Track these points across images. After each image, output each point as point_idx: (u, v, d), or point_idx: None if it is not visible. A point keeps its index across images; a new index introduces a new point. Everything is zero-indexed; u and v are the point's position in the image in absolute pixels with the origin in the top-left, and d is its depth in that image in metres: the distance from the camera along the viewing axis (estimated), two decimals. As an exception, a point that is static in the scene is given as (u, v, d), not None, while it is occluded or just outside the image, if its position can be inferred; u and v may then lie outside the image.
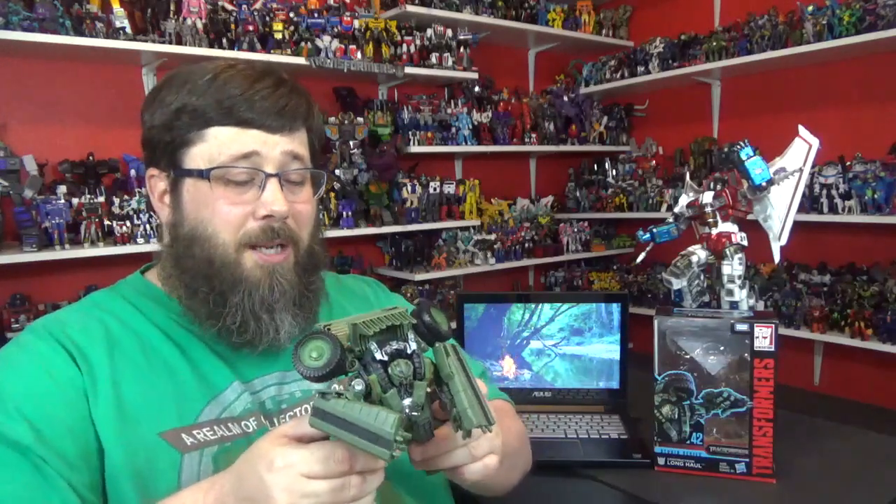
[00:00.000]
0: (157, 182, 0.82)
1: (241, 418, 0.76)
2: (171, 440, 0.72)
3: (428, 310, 0.61)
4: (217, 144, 0.76)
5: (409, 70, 2.76)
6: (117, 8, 2.16)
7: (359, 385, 0.56)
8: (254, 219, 0.77)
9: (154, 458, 0.71)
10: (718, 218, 1.24)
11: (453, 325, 1.47)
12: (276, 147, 0.78)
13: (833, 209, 2.53)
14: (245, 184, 0.77)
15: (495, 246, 3.10)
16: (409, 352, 0.59)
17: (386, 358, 0.58)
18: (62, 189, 2.11)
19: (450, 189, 2.94)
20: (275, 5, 2.53)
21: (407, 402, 0.57)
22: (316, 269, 0.84)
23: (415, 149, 2.85)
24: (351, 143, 2.73)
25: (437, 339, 0.62)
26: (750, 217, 1.26)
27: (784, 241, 1.21)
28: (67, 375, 0.72)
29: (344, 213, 2.63)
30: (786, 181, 1.20)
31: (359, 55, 2.64)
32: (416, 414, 0.58)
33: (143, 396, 0.73)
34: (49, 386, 0.70)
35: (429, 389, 0.60)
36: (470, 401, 0.59)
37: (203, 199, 0.77)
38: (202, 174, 0.76)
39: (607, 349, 1.42)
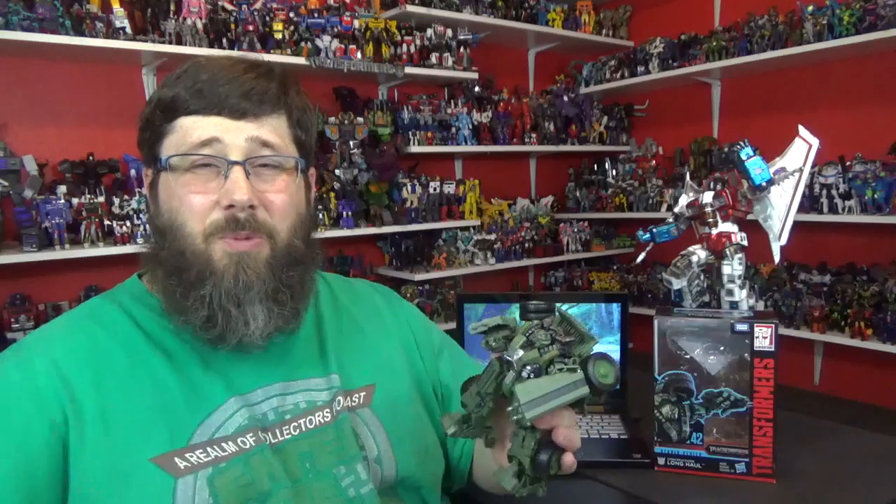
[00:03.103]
0: (148, 181, 0.82)
1: (236, 435, 0.74)
2: (163, 465, 0.69)
3: (591, 369, 0.64)
4: (182, 133, 0.76)
5: (409, 70, 2.76)
6: (117, 8, 2.16)
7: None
8: (219, 208, 0.75)
9: (146, 485, 0.68)
10: (718, 218, 1.24)
11: (452, 325, 1.46)
12: (240, 133, 0.75)
13: (833, 209, 2.53)
14: (210, 172, 0.76)
15: (495, 246, 3.10)
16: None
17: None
18: (62, 189, 2.11)
19: (450, 189, 2.94)
20: (275, 5, 2.53)
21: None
22: (296, 264, 0.79)
23: (415, 149, 2.85)
24: (351, 143, 2.73)
25: (595, 391, 0.64)
26: (750, 217, 1.25)
27: (784, 241, 1.21)
28: (31, 425, 0.68)
29: (344, 213, 2.63)
30: (786, 181, 1.20)
31: (359, 55, 2.64)
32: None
33: (132, 420, 0.71)
34: (5, 432, 0.67)
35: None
36: (540, 387, 0.63)
37: (171, 189, 0.76)
38: (162, 163, 0.76)
39: (607, 349, 1.42)
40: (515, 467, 0.68)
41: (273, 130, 0.78)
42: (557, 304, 0.68)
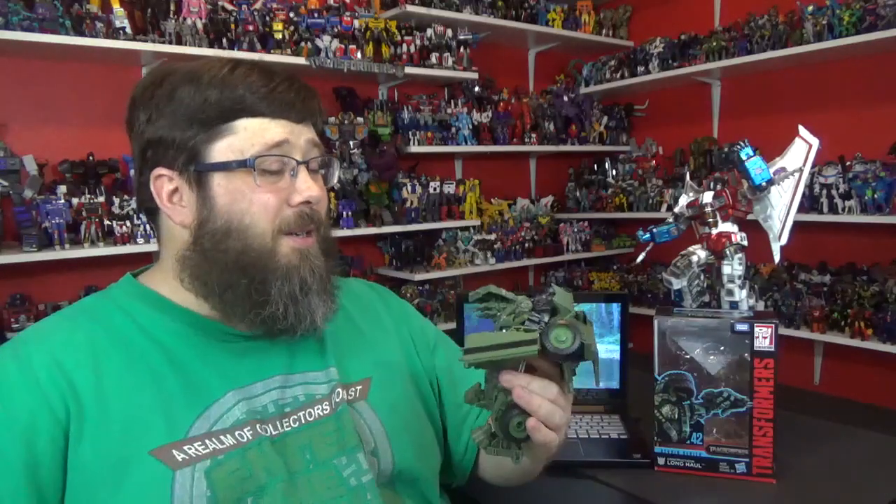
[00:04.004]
0: (165, 182, 0.79)
1: (234, 429, 0.75)
2: (161, 457, 0.70)
3: (548, 333, 0.68)
4: (248, 135, 0.77)
5: (409, 70, 2.76)
6: (117, 8, 2.16)
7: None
8: (288, 206, 0.79)
9: (144, 477, 0.69)
10: (718, 218, 1.24)
11: (452, 325, 1.46)
12: (301, 136, 0.81)
13: (833, 209, 2.53)
14: (277, 172, 0.79)
15: (495, 246, 3.10)
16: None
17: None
18: (62, 189, 2.11)
19: (450, 189, 2.94)
20: (275, 5, 2.53)
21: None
22: (333, 254, 0.86)
23: (415, 149, 2.85)
24: (351, 143, 2.73)
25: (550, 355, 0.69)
26: (750, 217, 1.26)
27: (784, 241, 1.21)
28: (34, 417, 0.69)
29: (344, 213, 2.63)
30: (786, 181, 1.20)
31: (359, 55, 2.64)
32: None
33: (131, 413, 0.71)
34: (9, 425, 0.68)
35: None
36: (486, 339, 0.67)
37: (239, 190, 0.77)
38: (245, 164, 0.76)
39: (607, 349, 1.42)
40: (488, 425, 0.72)
41: (316, 134, 0.85)
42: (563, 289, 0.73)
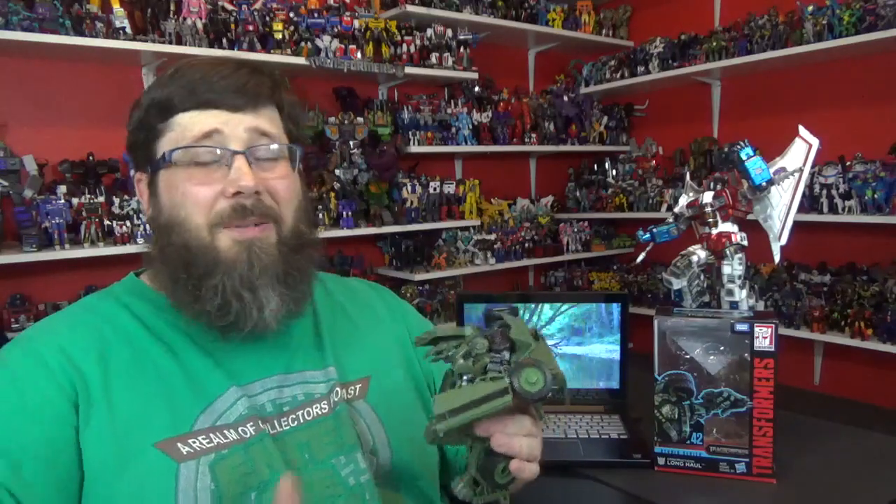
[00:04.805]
0: (143, 185, 0.83)
1: (237, 424, 0.75)
2: (166, 450, 0.71)
3: (518, 377, 0.62)
4: (181, 130, 0.77)
5: (409, 70, 2.76)
6: (117, 8, 2.16)
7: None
8: (224, 197, 0.76)
9: (148, 470, 0.70)
10: (718, 218, 1.24)
11: (453, 324, 1.47)
12: (240, 125, 0.78)
13: (833, 209, 2.53)
14: (212, 164, 0.77)
15: (495, 246, 3.10)
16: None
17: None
18: (62, 189, 2.11)
19: (450, 189, 2.94)
20: (275, 5, 2.53)
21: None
22: (303, 248, 0.83)
23: (415, 149, 2.85)
24: (351, 143, 2.73)
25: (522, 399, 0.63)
26: (750, 217, 1.25)
27: (784, 241, 1.21)
28: (48, 399, 0.70)
29: (344, 213, 2.63)
30: (786, 181, 1.20)
31: (359, 55, 2.64)
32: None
33: (135, 406, 0.72)
34: (26, 412, 0.69)
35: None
36: (456, 398, 0.62)
37: (173, 185, 0.77)
38: (165, 158, 0.77)
39: (607, 349, 1.42)
40: (469, 475, 0.68)
41: (269, 121, 0.81)
42: (498, 308, 0.69)
